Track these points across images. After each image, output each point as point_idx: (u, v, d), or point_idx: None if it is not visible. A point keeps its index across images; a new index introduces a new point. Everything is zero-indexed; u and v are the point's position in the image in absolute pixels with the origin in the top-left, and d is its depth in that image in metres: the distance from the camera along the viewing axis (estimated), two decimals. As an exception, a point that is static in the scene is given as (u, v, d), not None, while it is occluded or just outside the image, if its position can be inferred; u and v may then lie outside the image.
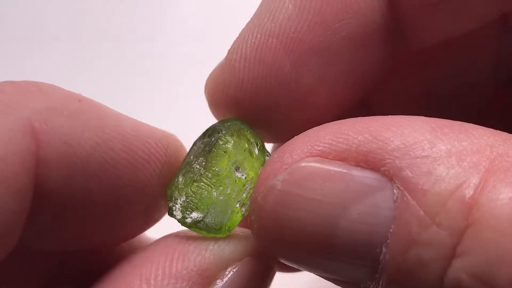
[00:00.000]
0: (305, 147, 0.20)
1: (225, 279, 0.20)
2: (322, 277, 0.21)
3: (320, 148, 0.20)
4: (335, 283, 0.21)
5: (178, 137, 0.25)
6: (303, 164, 0.19)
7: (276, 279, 0.23)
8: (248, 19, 0.24)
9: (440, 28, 0.25)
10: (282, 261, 0.21)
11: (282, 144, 0.29)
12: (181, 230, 0.23)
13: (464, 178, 0.17)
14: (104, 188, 0.21)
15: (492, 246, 0.16)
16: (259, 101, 0.23)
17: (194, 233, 0.22)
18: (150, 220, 0.24)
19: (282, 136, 0.25)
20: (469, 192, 0.17)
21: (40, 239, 0.21)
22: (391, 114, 0.29)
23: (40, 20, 0.66)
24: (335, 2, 0.22)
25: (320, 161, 0.19)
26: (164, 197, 0.23)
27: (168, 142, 0.23)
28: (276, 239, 0.20)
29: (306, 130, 0.24)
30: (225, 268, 0.21)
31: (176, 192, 0.22)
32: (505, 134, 0.19)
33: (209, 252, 0.21)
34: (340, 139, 0.19)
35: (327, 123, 0.21)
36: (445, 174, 0.17)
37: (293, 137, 0.24)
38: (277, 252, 0.21)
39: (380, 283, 0.19)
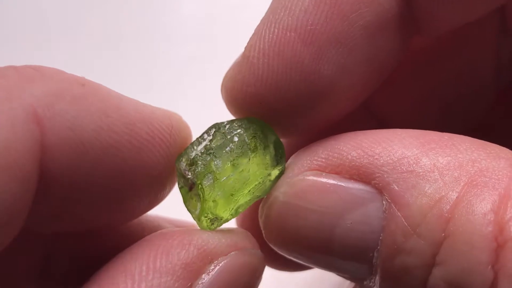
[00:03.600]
0: (305, 162, 0.22)
1: (211, 273, 0.20)
2: (331, 272, 0.23)
3: (318, 162, 0.22)
4: (344, 278, 0.23)
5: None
6: (301, 178, 0.22)
7: (275, 276, 0.24)
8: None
9: (451, 15, 0.25)
10: (293, 259, 0.23)
11: (302, 140, 0.30)
12: (167, 228, 0.23)
13: (444, 192, 0.19)
14: (108, 171, 0.21)
15: (465, 258, 0.18)
16: (280, 95, 0.23)
17: (178, 229, 0.22)
18: (155, 200, 0.24)
19: (304, 129, 0.26)
20: (446, 206, 0.18)
21: (46, 222, 0.21)
22: (393, 118, 0.30)
23: (38, 20, 0.66)
24: None
25: (317, 175, 0.21)
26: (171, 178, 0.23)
27: (172, 122, 0.23)
28: (281, 242, 0.23)
29: (327, 123, 0.25)
30: (210, 262, 0.21)
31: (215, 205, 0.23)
32: (490, 147, 0.20)
33: (193, 246, 0.21)
34: (335, 154, 0.21)
35: (325, 139, 0.22)
36: (427, 188, 0.19)
37: (313, 131, 0.25)
38: (284, 252, 0.23)
39: (376, 283, 0.21)
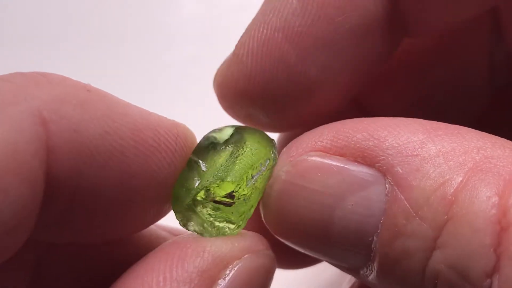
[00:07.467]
0: (309, 143, 0.22)
1: (227, 278, 0.21)
2: (326, 261, 0.23)
3: (323, 143, 0.22)
4: (339, 268, 0.23)
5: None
6: (305, 158, 0.21)
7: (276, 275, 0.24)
8: (249, 19, 0.25)
9: (438, 16, 0.26)
10: (287, 243, 0.23)
11: (288, 135, 0.31)
12: (180, 236, 0.23)
13: (448, 176, 0.19)
14: (113, 176, 0.20)
15: (467, 240, 0.18)
16: (267, 92, 0.24)
17: (190, 237, 0.22)
18: (161, 210, 0.24)
19: (290, 125, 0.27)
20: (450, 189, 0.18)
21: (51, 231, 0.21)
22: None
23: (38, 21, 0.66)
24: None
25: (321, 156, 0.21)
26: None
27: (178, 130, 0.22)
28: (280, 223, 0.22)
29: (313, 119, 0.25)
30: (225, 267, 0.21)
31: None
32: (495, 138, 0.20)
33: (207, 253, 0.21)
34: (341, 136, 0.21)
35: (332, 123, 0.22)
36: (431, 171, 0.19)
37: (301, 126, 0.26)
38: (281, 235, 0.23)
39: (373, 270, 0.21)
